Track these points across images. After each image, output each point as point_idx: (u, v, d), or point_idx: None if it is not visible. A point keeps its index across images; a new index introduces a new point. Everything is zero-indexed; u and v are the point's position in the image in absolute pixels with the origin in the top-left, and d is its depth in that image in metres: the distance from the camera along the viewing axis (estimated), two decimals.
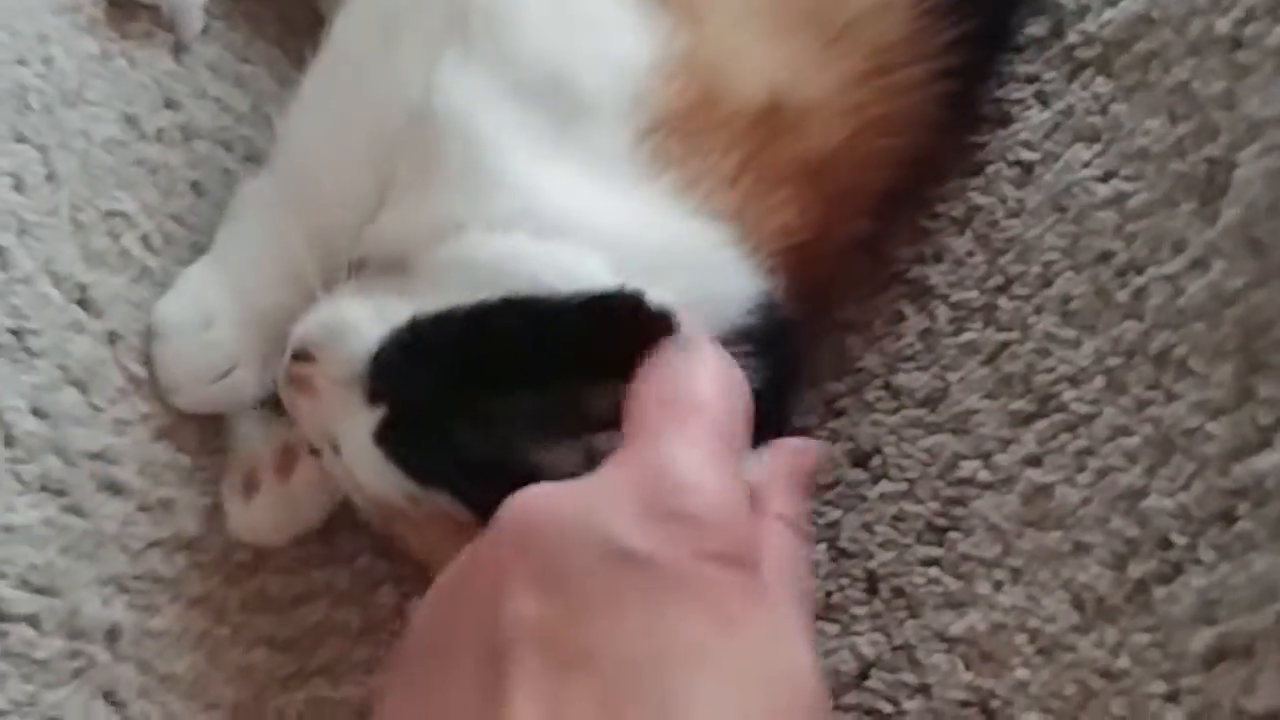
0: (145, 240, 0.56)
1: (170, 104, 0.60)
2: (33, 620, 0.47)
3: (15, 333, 0.49)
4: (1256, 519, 0.42)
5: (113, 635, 0.49)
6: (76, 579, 0.49)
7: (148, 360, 0.54)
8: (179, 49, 0.61)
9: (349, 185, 0.54)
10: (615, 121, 0.50)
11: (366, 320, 0.48)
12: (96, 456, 0.51)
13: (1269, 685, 0.39)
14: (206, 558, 0.53)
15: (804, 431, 0.60)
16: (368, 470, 0.47)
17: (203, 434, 0.55)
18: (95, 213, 0.54)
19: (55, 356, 0.50)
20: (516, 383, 0.45)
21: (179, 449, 0.54)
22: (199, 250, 0.57)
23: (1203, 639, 0.42)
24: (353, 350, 0.47)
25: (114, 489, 0.51)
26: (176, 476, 0.53)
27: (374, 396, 0.47)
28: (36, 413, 0.49)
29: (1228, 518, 0.43)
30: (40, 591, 0.47)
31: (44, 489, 0.49)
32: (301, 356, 0.49)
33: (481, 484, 0.44)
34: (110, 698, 0.49)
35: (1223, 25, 0.47)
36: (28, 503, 0.48)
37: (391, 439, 0.46)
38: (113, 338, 0.53)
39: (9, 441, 0.48)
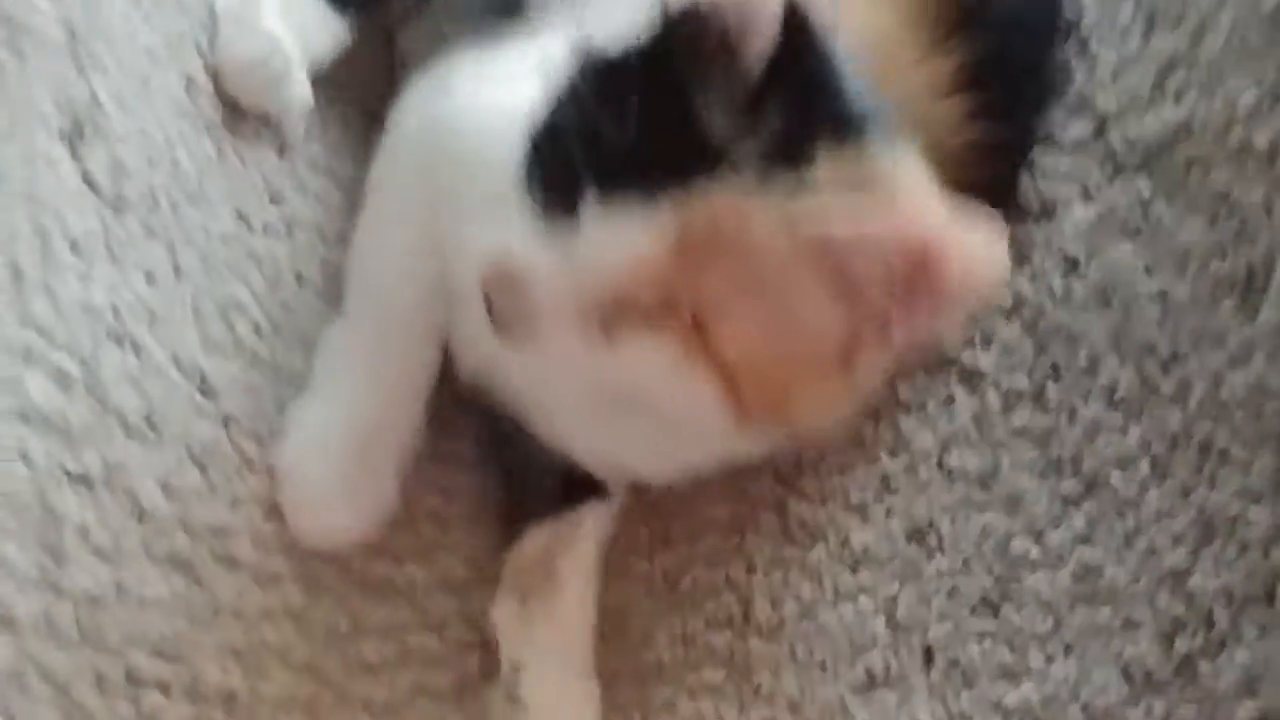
0: (256, 328, 0.60)
1: (275, 199, 0.65)
2: (162, 687, 0.51)
3: (147, 417, 0.53)
4: None
5: (230, 700, 0.53)
6: (199, 647, 0.53)
7: (258, 438, 0.58)
8: (283, 148, 0.66)
9: (415, 295, 0.60)
10: None
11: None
12: (216, 532, 0.55)
13: None
14: (310, 626, 0.57)
15: (861, 509, 0.64)
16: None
17: None
18: (213, 303, 0.59)
19: (180, 439, 0.55)
20: None
21: (285, 524, 0.58)
22: (302, 336, 0.62)
23: (1246, 711, 0.46)
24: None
25: (230, 562, 0.55)
26: (283, 550, 0.57)
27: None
28: (165, 491, 0.53)
29: (1269, 597, 0.46)
30: (168, 659, 0.51)
31: (171, 563, 0.53)
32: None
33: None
34: None
35: (1261, 138, 0.51)
36: (158, 576, 0.52)
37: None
38: (227, 421, 0.57)
39: (142, 518, 0.52)
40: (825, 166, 0.46)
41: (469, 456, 0.68)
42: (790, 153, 0.46)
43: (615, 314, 0.48)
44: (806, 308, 0.47)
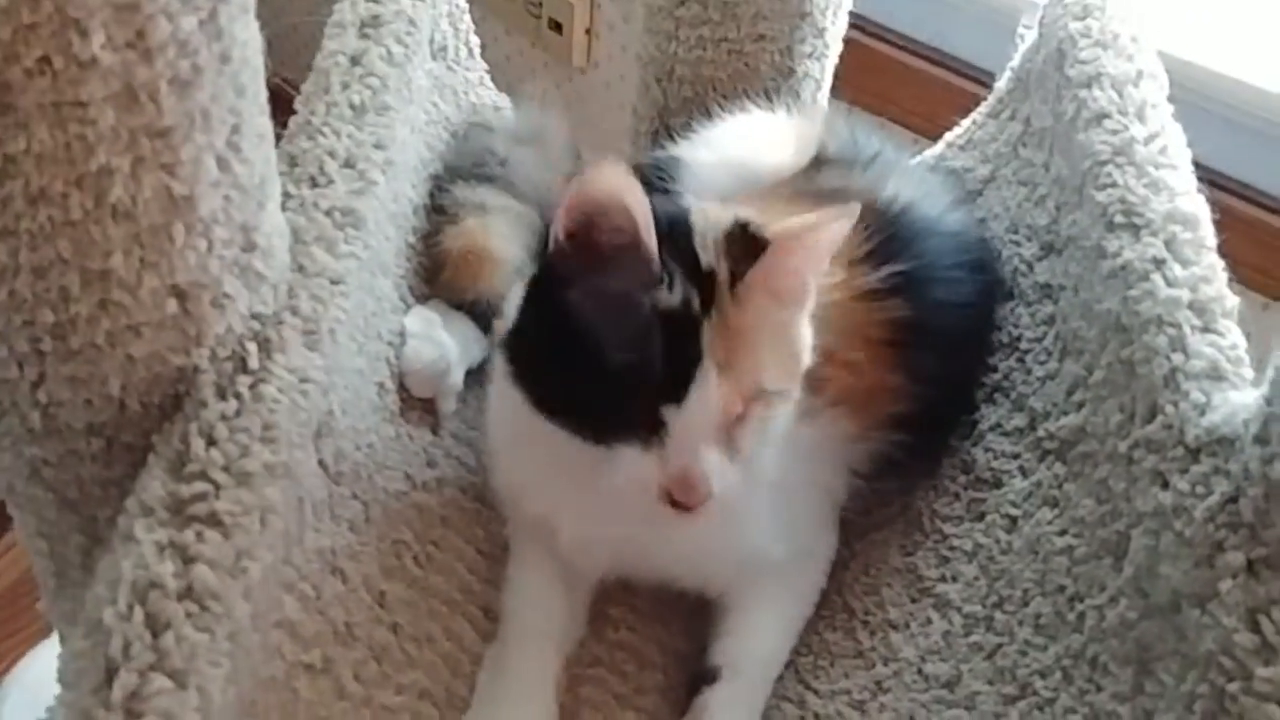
0: (415, 559, 0.84)
1: (430, 464, 0.89)
2: None
3: (347, 625, 0.76)
4: None
5: None
6: None
7: (417, 641, 0.81)
8: (437, 427, 0.91)
9: (533, 616, 0.84)
10: None
11: None
12: (387, 709, 0.77)
13: None
14: None
15: (860, 704, 0.85)
16: None
17: None
18: (388, 542, 0.82)
19: (365, 641, 0.78)
20: None
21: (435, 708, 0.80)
22: (446, 567, 0.85)
23: None
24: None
25: None
26: None
27: None
28: (356, 678, 0.76)
29: None
30: None
31: None
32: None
33: None
34: None
35: (1122, 447, 0.74)
36: None
37: None
38: (396, 628, 0.80)
39: (342, 696, 0.75)
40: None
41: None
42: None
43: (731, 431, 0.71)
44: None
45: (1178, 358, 0.71)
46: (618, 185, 0.66)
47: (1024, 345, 0.91)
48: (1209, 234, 0.78)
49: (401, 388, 0.89)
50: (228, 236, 0.64)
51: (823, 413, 0.81)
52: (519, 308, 0.75)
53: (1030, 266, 0.93)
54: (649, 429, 0.70)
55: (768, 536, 0.84)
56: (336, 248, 0.75)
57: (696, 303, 0.69)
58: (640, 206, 0.67)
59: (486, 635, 0.86)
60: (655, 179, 0.92)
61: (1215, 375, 0.70)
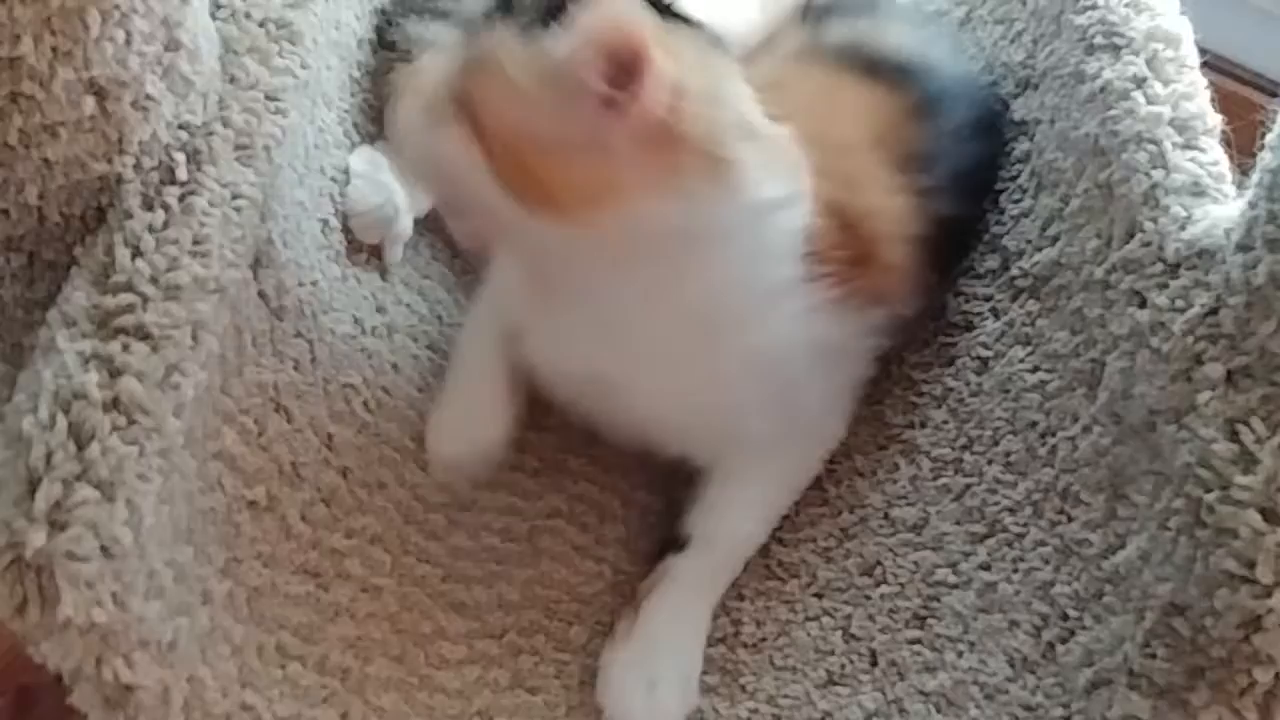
0: (365, 404, 0.81)
1: (379, 309, 0.86)
2: (301, 659, 0.69)
3: (293, 464, 0.73)
4: (1115, 595, 0.64)
5: (345, 675, 0.71)
6: (324, 634, 0.71)
7: (367, 487, 0.78)
8: (384, 271, 0.87)
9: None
10: None
11: None
12: (336, 552, 0.74)
13: (1122, 703, 0.61)
14: (403, 628, 0.76)
15: (825, 551, 0.83)
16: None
17: None
18: (336, 385, 0.79)
19: (313, 483, 0.75)
20: None
21: (387, 553, 0.77)
22: (398, 413, 0.82)
23: (1084, 676, 0.64)
24: None
25: (346, 576, 0.74)
26: (385, 572, 0.76)
27: None
28: (304, 519, 0.73)
29: (1099, 595, 0.65)
30: (305, 640, 0.70)
31: (306, 572, 0.72)
32: None
33: None
34: None
35: (1098, 273, 0.71)
36: (298, 580, 0.72)
37: None
38: (345, 471, 0.77)
39: (289, 536, 0.72)
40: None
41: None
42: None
43: (436, 109, 0.68)
44: (545, 111, 0.65)
45: (1158, 174, 0.68)
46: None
47: (998, 185, 0.87)
48: (1191, 53, 0.74)
49: (347, 229, 0.85)
50: (148, 30, 0.60)
51: (852, 310, 0.78)
52: None
53: (1006, 105, 0.89)
54: None
55: (756, 412, 0.79)
56: (271, 61, 0.70)
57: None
58: None
59: (443, 485, 0.83)
60: None
61: (1196, 190, 0.67)
